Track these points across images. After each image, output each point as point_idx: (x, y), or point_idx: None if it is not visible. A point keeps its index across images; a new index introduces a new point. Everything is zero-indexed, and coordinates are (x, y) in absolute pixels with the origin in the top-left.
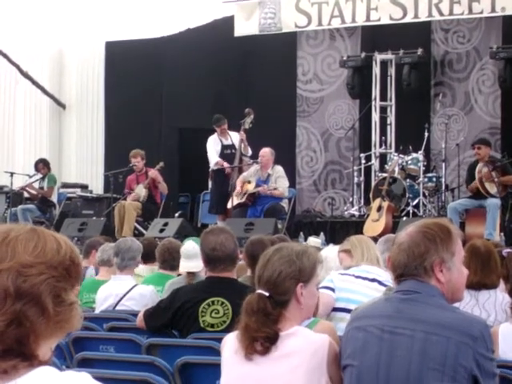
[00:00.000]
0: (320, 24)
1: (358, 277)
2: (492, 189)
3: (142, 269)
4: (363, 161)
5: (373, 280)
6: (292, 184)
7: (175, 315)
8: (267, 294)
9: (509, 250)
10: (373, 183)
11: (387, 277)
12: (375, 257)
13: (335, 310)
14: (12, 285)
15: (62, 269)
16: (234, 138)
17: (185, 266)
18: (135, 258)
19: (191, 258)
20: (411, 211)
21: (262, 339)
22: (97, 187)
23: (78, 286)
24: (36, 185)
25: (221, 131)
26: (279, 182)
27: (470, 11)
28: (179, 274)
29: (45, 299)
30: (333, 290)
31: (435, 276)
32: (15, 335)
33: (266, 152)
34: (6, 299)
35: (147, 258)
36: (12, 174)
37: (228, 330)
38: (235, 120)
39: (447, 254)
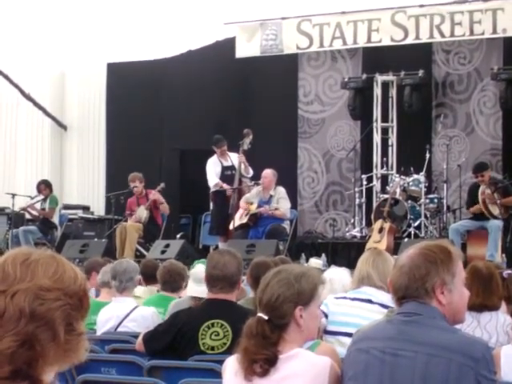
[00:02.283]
0: (321, 45)
1: (354, 299)
2: (495, 210)
3: (141, 290)
4: (365, 182)
5: (369, 301)
6: (293, 205)
7: (175, 338)
8: (266, 317)
9: (510, 271)
10: (374, 204)
11: (389, 298)
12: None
13: (330, 333)
14: (28, 306)
15: (76, 298)
16: (234, 159)
17: (193, 290)
18: (133, 278)
19: (200, 283)
20: (413, 232)
21: (261, 361)
22: (98, 209)
23: (85, 318)
24: (38, 206)
25: (221, 152)
26: (281, 203)
27: (471, 33)
28: (180, 296)
29: (58, 325)
30: (326, 314)
31: (436, 298)
32: (26, 357)
33: (268, 173)
34: (20, 319)
35: (149, 279)
36: (13, 195)
37: (228, 352)
38: (236, 141)
39: (448, 275)
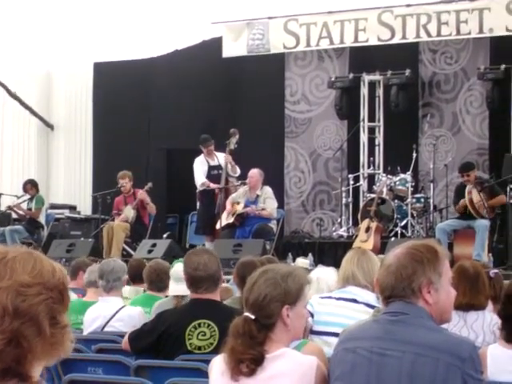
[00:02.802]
0: (308, 45)
1: (339, 299)
2: (482, 210)
3: (128, 290)
4: (351, 181)
5: (354, 301)
6: (280, 205)
7: (160, 339)
8: (253, 316)
9: (496, 270)
10: (361, 204)
11: (374, 298)
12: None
13: (316, 333)
14: (11, 304)
15: (57, 292)
16: (221, 158)
17: (174, 289)
18: (120, 278)
19: (180, 281)
20: (399, 232)
21: (247, 361)
22: (85, 208)
23: (67, 311)
24: (24, 206)
25: (207, 152)
26: (268, 202)
27: (458, 32)
28: (167, 296)
29: (42, 320)
30: (311, 313)
31: (423, 297)
32: (14, 354)
33: (255, 173)
34: (4, 317)
35: (135, 278)
36: (0, 194)
37: (215, 351)
38: (223, 141)
39: (435, 275)
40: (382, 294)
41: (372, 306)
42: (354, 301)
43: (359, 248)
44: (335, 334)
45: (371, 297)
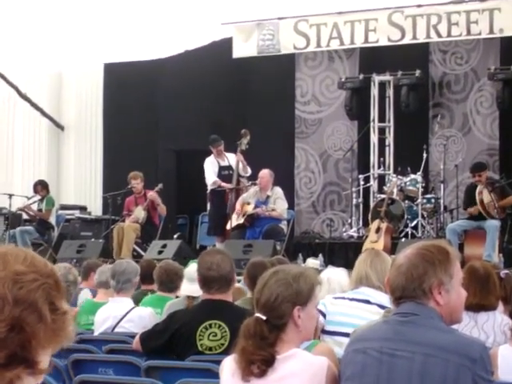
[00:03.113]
0: (318, 46)
1: (352, 299)
2: (492, 211)
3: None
4: (362, 182)
5: (367, 302)
6: (291, 205)
7: (172, 339)
8: (264, 317)
9: (507, 271)
10: (371, 204)
11: (387, 299)
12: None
13: (328, 333)
14: (9, 292)
15: (52, 279)
16: (231, 159)
17: (187, 289)
18: (131, 280)
19: (194, 282)
20: (410, 232)
21: (258, 362)
22: (95, 209)
23: (65, 299)
24: (34, 206)
25: (217, 152)
26: (278, 203)
27: (468, 33)
28: (177, 296)
29: (41, 305)
30: (323, 314)
31: (434, 298)
32: (18, 340)
33: (265, 173)
34: (4, 307)
35: (145, 279)
36: (11, 195)
37: (226, 352)
38: (233, 141)
39: (446, 276)
40: (393, 295)
41: (385, 307)
42: (367, 302)
43: (373, 249)
44: (347, 335)
45: (384, 298)
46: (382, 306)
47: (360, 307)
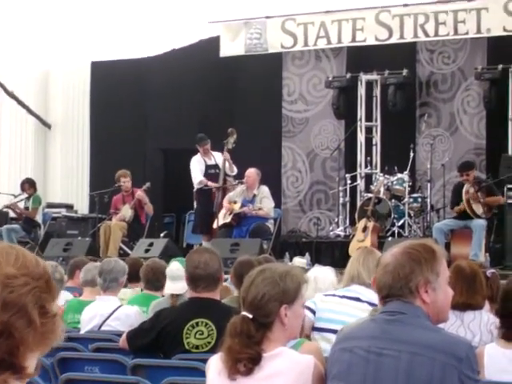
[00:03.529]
0: (306, 45)
1: (343, 297)
2: (478, 209)
3: (125, 292)
4: (349, 181)
5: (357, 299)
6: (277, 204)
7: (159, 337)
8: (251, 316)
9: (493, 270)
10: (358, 203)
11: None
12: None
13: (317, 329)
14: None
15: (43, 281)
16: (218, 158)
17: (169, 287)
18: (117, 279)
19: (176, 280)
20: (396, 231)
21: (244, 360)
22: (82, 207)
23: (56, 300)
24: (21, 205)
25: (203, 151)
26: (264, 202)
27: (456, 32)
28: (163, 295)
29: (31, 310)
30: (313, 311)
31: (420, 297)
32: (6, 346)
33: (252, 172)
34: None
35: (132, 278)
36: None
37: (213, 351)
38: (220, 140)
39: (432, 274)
40: (380, 293)
41: (375, 305)
42: (358, 299)
43: (366, 247)
44: (335, 331)
45: (375, 296)
46: (372, 304)
47: (350, 304)
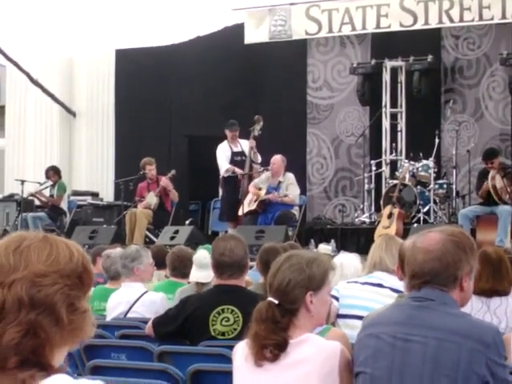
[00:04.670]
0: (330, 31)
1: (365, 283)
2: (505, 196)
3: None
4: (374, 168)
5: (380, 285)
6: (303, 191)
7: (185, 324)
8: (277, 302)
9: None
10: (383, 190)
11: (400, 283)
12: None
13: (340, 316)
14: (26, 295)
15: (74, 277)
16: (244, 145)
17: (195, 275)
18: (126, 265)
19: (202, 268)
20: (422, 218)
21: (271, 346)
22: (107, 195)
23: (88, 294)
24: (46, 192)
25: (232, 137)
26: (290, 189)
27: (481, 18)
28: (189, 282)
29: (59, 309)
30: (337, 298)
31: (461, 284)
32: (31, 346)
33: (277, 159)
34: (20, 309)
35: (157, 264)
36: (23, 181)
37: (239, 337)
38: (245, 128)
39: (474, 263)
40: (419, 279)
41: (397, 291)
42: (380, 285)
43: (387, 234)
44: (359, 317)
45: (397, 281)
46: (394, 290)
47: (372, 290)
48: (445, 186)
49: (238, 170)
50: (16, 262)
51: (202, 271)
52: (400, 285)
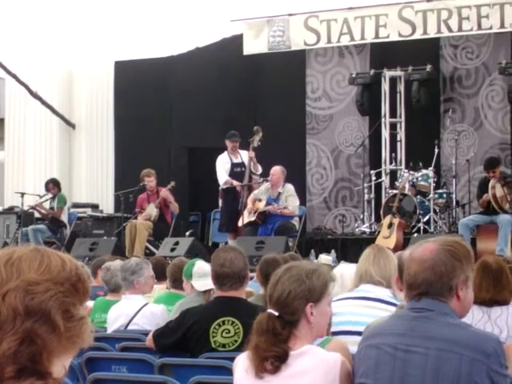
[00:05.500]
0: (329, 41)
1: (347, 298)
2: (505, 205)
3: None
4: (373, 178)
5: (364, 298)
6: (302, 201)
7: (185, 336)
8: (277, 313)
9: None
10: (383, 200)
11: (386, 293)
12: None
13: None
14: (20, 304)
15: (68, 284)
16: (244, 156)
17: (201, 284)
18: (126, 278)
19: (207, 276)
20: (422, 228)
21: (271, 358)
22: (107, 207)
23: (86, 302)
24: (46, 205)
25: (232, 148)
26: (289, 200)
27: (479, 27)
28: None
29: (54, 315)
30: None
31: (457, 294)
32: (28, 354)
33: (277, 170)
34: (15, 319)
35: (157, 276)
36: (23, 194)
37: (240, 349)
38: (244, 138)
39: (470, 272)
40: (415, 290)
41: (385, 302)
42: (364, 298)
43: (376, 245)
44: (346, 332)
45: (383, 292)
46: (381, 301)
47: (355, 304)
48: (445, 195)
49: (236, 183)
50: (8, 274)
51: (208, 279)
52: (386, 295)
